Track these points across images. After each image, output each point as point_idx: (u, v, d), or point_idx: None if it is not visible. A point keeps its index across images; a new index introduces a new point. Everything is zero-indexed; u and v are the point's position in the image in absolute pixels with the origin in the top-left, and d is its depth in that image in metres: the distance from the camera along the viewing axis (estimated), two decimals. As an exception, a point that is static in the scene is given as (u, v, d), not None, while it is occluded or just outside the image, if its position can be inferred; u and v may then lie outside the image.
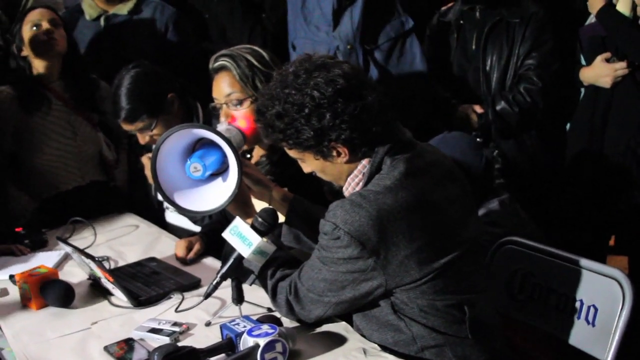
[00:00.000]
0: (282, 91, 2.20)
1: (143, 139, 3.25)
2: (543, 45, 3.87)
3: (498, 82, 3.92)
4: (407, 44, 3.86)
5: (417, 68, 3.88)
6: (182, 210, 2.46)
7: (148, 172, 3.12)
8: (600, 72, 3.74)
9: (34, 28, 3.61)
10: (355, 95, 2.17)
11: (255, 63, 2.82)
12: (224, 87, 2.83)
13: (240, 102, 2.82)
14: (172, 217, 3.59)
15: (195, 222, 3.45)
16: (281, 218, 2.50)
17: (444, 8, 4.16)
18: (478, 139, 3.28)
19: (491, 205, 3.06)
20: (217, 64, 2.85)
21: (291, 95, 2.18)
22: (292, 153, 2.32)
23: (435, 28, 4.16)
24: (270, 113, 2.22)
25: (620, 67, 3.68)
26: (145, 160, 3.17)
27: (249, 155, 3.00)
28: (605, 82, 3.73)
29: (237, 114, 2.81)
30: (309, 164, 2.33)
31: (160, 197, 3.48)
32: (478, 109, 3.95)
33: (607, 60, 3.72)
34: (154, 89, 3.24)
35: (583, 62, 3.88)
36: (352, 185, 2.29)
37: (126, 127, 3.25)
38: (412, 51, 3.87)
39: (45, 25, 3.62)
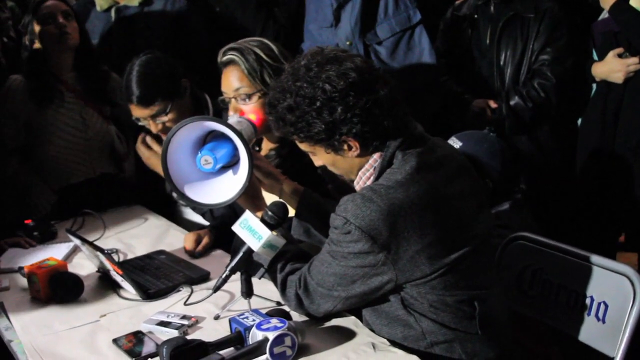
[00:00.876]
0: (294, 84, 2.19)
1: (156, 126, 3.18)
2: (557, 40, 3.86)
3: (512, 77, 3.92)
4: (415, 37, 3.85)
5: (426, 61, 3.86)
6: (192, 203, 2.46)
7: (148, 161, 3.12)
8: (613, 67, 3.73)
9: (47, 21, 3.61)
10: (367, 88, 2.16)
11: (264, 57, 2.80)
12: (232, 82, 2.82)
13: (248, 97, 2.80)
14: (188, 212, 3.60)
15: (203, 214, 3.45)
16: (291, 211, 2.49)
17: (457, 2, 4.15)
18: (491, 134, 3.27)
19: (502, 207, 3.06)
20: (225, 57, 2.83)
21: (303, 89, 2.17)
22: (303, 146, 2.31)
23: (449, 22, 4.16)
24: (282, 106, 2.22)
25: (632, 63, 3.66)
26: (142, 148, 3.13)
27: (257, 148, 2.99)
28: (618, 77, 3.71)
29: (245, 109, 2.80)
30: (320, 158, 2.33)
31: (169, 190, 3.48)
32: (492, 103, 3.95)
33: (620, 56, 3.71)
34: (167, 72, 3.21)
35: (595, 57, 3.86)
36: (363, 179, 2.28)
37: (140, 112, 3.17)
38: (420, 44, 3.85)
39: (58, 18, 3.62)
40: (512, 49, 3.90)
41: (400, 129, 2.23)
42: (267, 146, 2.98)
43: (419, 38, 3.84)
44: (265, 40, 2.88)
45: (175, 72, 3.24)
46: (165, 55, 3.28)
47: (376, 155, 2.24)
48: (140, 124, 3.25)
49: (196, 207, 3.25)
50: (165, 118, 3.17)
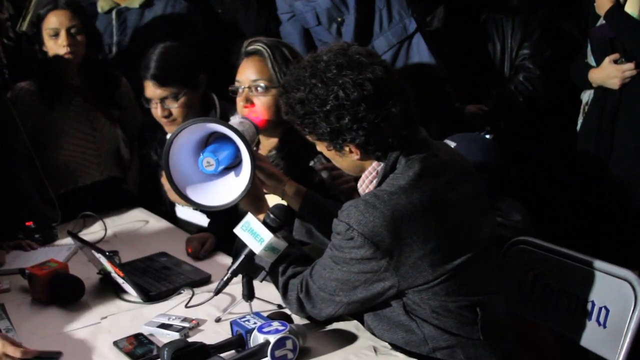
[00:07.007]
0: (310, 79, 2.18)
1: (162, 110, 3.24)
2: (532, 34, 4.09)
3: (497, 76, 4.04)
4: (413, 46, 3.83)
5: (427, 67, 3.86)
6: (194, 205, 2.46)
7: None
8: (609, 73, 3.75)
9: (53, 37, 3.59)
10: (379, 103, 2.15)
11: (291, 58, 2.80)
12: (252, 72, 2.81)
13: (265, 90, 2.79)
14: (183, 212, 3.58)
15: (208, 215, 3.44)
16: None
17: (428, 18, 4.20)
18: (488, 136, 3.32)
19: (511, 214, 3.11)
20: (251, 47, 2.84)
21: (317, 87, 2.16)
22: (307, 136, 2.31)
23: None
24: (294, 95, 2.21)
25: (628, 69, 3.68)
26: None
27: (256, 149, 2.98)
28: (614, 83, 3.73)
29: (256, 102, 2.80)
30: (322, 151, 2.34)
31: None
32: (484, 107, 4.00)
33: (616, 62, 3.72)
34: (187, 61, 3.30)
35: (593, 63, 3.87)
36: (365, 182, 2.28)
37: (152, 91, 3.23)
38: (419, 53, 3.84)
39: (62, 36, 3.57)
40: (492, 50, 4.08)
41: (405, 142, 2.22)
42: (265, 147, 2.97)
43: (417, 47, 3.83)
44: (291, 45, 2.91)
45: (195, 64, 3.31)
46: (187, 48, 3.36)
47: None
48: (147, 106, 3.30)
49: (199, 209, 3.24)
50: (174, 104, 3.22)
